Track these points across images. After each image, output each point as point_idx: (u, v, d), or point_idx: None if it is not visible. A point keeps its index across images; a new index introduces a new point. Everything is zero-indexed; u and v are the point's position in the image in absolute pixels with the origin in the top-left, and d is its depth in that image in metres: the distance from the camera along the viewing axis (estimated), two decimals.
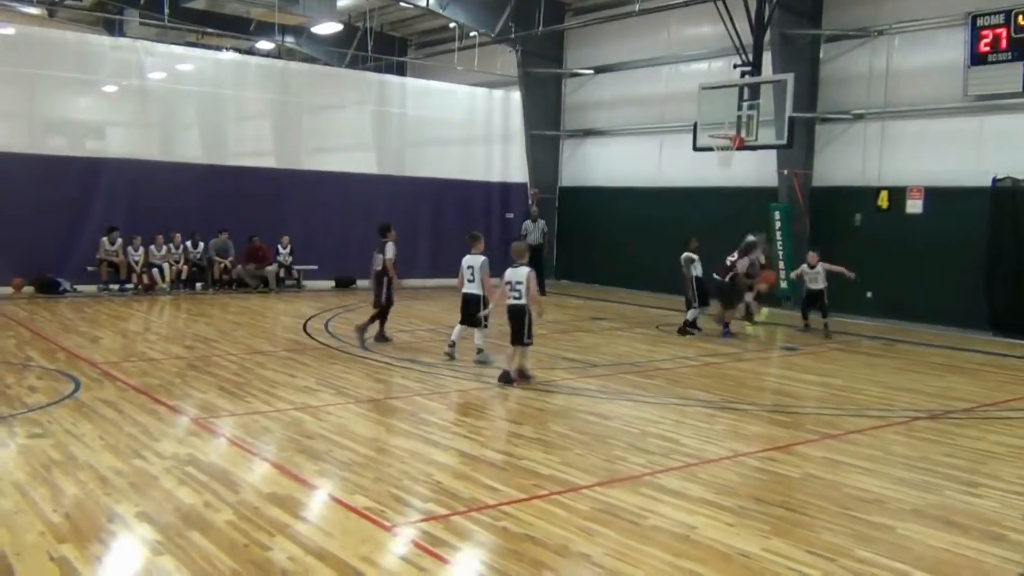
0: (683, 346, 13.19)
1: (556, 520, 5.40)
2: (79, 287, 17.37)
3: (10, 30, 18.24)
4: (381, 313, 12.24)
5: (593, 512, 5.57)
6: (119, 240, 17.61)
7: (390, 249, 12.01)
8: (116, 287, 17.69)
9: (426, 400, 8.91)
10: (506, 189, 23.81)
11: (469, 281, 10.83)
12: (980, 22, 15.19)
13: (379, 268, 12.12)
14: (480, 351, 10.92)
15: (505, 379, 9.61)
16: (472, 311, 10.81)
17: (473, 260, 10.86)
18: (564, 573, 4.66)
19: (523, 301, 9.59)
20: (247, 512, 5.34)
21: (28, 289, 16.93)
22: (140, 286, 17.80)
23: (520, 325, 9.59)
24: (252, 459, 6.60)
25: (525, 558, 4.79)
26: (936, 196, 16.18)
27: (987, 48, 15.14)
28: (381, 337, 12.27)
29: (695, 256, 14.21)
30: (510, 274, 9.70)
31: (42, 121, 18.26)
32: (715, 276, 14.09)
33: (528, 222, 20.85)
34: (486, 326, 10.95)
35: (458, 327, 11.10)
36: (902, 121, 16.82)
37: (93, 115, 19.38)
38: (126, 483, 5.83)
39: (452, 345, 11.04)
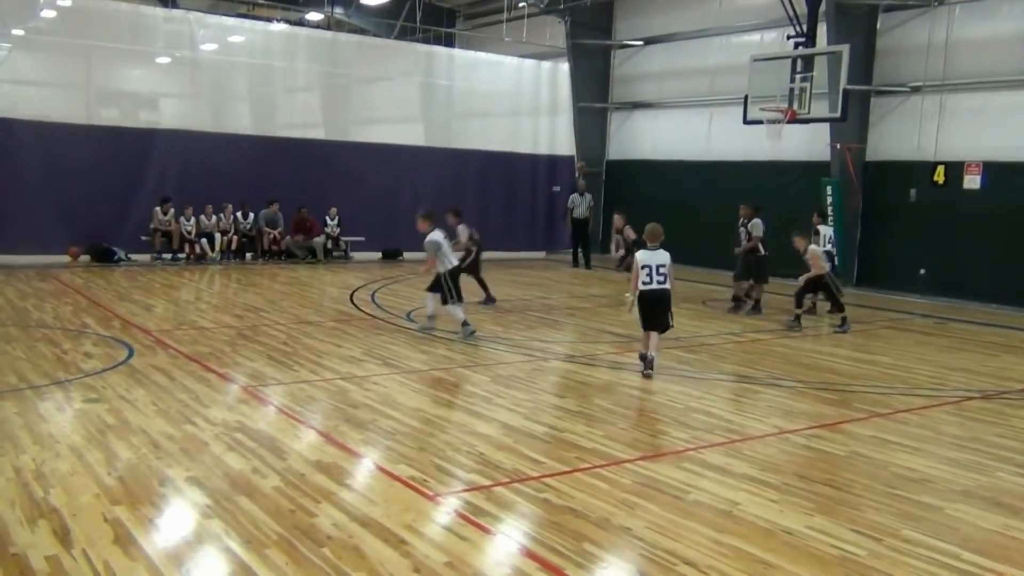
0: (729, 322, 13.06)
1: (598, 493, 5.42)
2: (133, 256, 17.72)
3: (67, 2, 18.50)
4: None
5: (635, 486, 5.58)
6: (172, 210, 17.92)
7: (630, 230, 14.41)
8: (168, 256, 18.03)
9: (470, 372, 8.96)
10: (553, 162, 23.69)
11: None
12: None
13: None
14: (430, 318, 10.93)
15: (650, 364, 9.05)
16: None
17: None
18: (605, 546, 4.67)
19: (668, 285, 9.03)
20: (293, 479, 5.43)
21: (84, 258, 17.32)
22: (192, 256, 18.12)
23: (666, 310, 9.04)
24: (299, 427, 6.71)
25: (566, 530, 4.81)
26: (995, 171, 15.73)
27: None
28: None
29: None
30: (648, 257, 8.98)
31: (97, 92, 18.57)
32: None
33: (575, 195, 20.76)
34: (452, 299, 10.69)
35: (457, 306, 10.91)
36: (961, 94, 16.33)
37: (146, 86, 19.65)
38: (177, 448, 5.97)
39: (465, 324, 10.71)
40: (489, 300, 13.60)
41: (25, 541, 4.39)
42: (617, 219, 15.37)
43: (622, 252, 15.07)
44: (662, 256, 9.02)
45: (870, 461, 6.37)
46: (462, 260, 12.04)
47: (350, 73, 21.31)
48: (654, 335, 9.11)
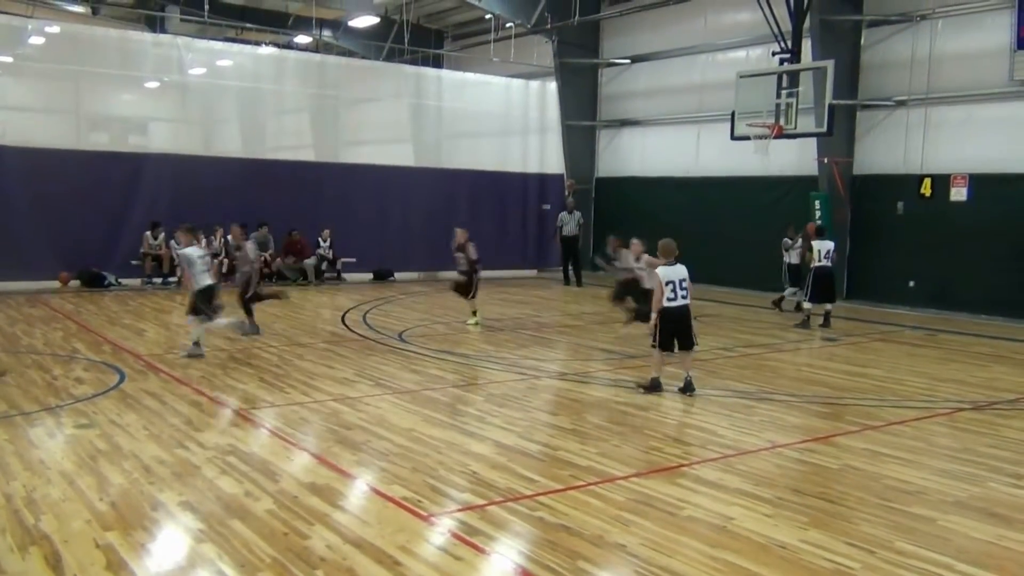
0: (721, 337, 13.09)
1: (592, 510, 5.41)
2: (123, 281, 17.69)
3: (55, 28, 18.58)
4: None
5: (629, 503, 5.57)
6: (162, 234, 17.90)
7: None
8: (159, 280, 17.99)
9: (462, 391, 8.96)
10: (543, 180, 23.79)
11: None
12: None
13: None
14: (196, 344, 10.35)
15: (655, 387, 8.91)
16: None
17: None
18: (600, 563, 4.67)
19: (689, 301, 8.84)
20: (286, 501, 5.42)
21: (75, 283, 17.28)
22: (182, 279, 18.07)
23: (690, 327, 8.88)
24: (291, 449, 6.69)
25: (561, 548, 4.80)
26: (981, 183, 15.86)
27: None
28: None
29: (790, 241, 15.36)
30: (670, 273, 8.76)
31: (87, 118, 18.61)
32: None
33: (564, 213, 20.83)
34: (210, 317, 10.42)
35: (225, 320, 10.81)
36: (946, 107, 16.48)
37: (136, 111, 19.71)
38: (169, 472, 5.94)
39: (197, 344, 10.35)
40: (252, 326, 12.12)
41: (16, 569, 4.36)
42: (459, 234, 14.09)
43: (463, 267, 13.82)
44: (681, 271, 8.85)
45: (863, 474, 6.38)
46: (247, 278, 11.89)
47: (339, 95, 21.39)
48: (686, 355, 8.99)
